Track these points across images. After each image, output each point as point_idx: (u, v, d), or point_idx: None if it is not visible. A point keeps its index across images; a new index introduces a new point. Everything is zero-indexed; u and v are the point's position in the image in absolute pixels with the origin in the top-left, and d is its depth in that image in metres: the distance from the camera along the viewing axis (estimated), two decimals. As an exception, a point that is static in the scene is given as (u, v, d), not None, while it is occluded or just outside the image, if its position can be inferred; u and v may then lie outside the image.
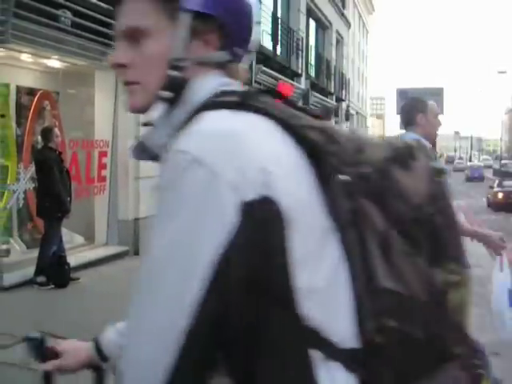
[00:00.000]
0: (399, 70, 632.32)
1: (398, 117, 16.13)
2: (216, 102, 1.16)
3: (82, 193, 10.84)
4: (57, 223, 8.67)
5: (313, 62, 26.51)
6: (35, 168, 8.84)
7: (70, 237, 10.39)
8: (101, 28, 9.98)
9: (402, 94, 11.77)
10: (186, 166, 1.04)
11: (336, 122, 30.62)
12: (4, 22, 8.06)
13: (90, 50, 10.21)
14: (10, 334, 6.38)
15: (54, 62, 10.48)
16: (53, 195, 8.42)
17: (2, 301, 7.79)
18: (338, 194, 1.13)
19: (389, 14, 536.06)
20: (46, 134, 8.70)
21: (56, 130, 8.84)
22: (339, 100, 30.62)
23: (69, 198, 8.76)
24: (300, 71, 22.72)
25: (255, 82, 16.93)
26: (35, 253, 8.87)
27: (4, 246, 8.88)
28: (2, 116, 8.68)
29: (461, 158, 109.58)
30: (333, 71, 29.20)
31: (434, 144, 4.87)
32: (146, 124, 1.28)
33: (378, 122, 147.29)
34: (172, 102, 1.21)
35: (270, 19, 19.64)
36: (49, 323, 6.77)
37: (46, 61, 10.38)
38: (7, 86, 9.48)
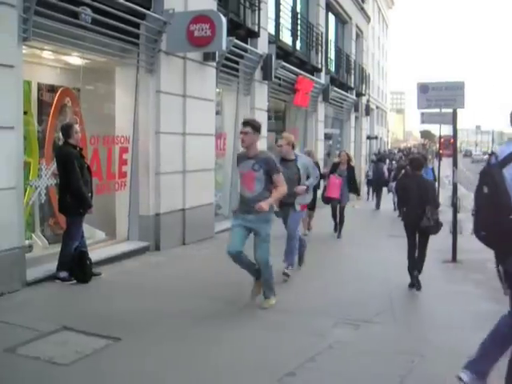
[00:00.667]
0: (419, 64, 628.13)
1: (419, 112, 15.71)
2: None
3: (103, 189, 10.90)
4: (79, 219, 8.72)
5: (332, 57, 26.38)
6: (56, 164, 8.89)
7: (91, 232, 10.46)
8: (121, 25, 10.04)
9: (423, 88, 11.64)
10: None
11: (356, 117, 30.48)
12: (26, 19, 8.13)
13: (111, 46, 10.29)
14: (33, 328, 6.45)
15: (75, 59, 10.55)
16: (74, 191, 8.49)
17: (25, 296, 7.88)
18: None
19: (408, 8, 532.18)
20: (66, 130, 8.74)
21: (76, 126, 8.87)
22: (359, 95, 30.46)
23: (90, 194, 8.81)
24: (320, 66, 22.65)
25: (275, 77, 16.92)
26: (57, 248, 8.94)
27: (27, 242, 8.95)
28: (24, 113, 8.73)
29: (485, 153, 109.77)
30: (353, 66, 29.06)
31: None
32: None
33: (399, 116, 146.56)
34: None
35: (289, 14, 19.60)
36: (71, 317, 6.86)
37: (66, 58, 10.45)
38: (29, 83, 9.53)
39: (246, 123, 7.68)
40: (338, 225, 14.29)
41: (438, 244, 10.75)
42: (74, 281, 8.62)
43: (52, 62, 10.43)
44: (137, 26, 10.68)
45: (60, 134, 9.15)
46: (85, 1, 9.21)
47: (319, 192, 14.82)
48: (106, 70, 11.34)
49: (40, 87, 10.05)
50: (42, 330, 6.40)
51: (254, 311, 7.49)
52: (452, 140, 14.09)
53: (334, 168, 14.50)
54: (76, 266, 8.64)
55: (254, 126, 7.58)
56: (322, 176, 14.56)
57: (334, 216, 14.65)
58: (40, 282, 8.50)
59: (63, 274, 8.62)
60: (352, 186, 14.55)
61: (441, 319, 7.51)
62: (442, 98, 11.91)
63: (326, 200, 14.40)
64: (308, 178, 9.63)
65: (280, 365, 5.63)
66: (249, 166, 7.52)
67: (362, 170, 28.38)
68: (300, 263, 10.12)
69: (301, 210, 9.70)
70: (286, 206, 9.29)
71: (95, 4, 9.36)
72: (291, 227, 9.57)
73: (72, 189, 8.49)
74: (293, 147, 9.62)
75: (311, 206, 14.11)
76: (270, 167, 7.53)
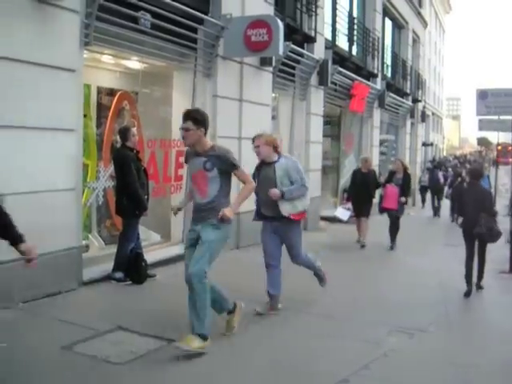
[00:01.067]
0: (476, 70, 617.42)
1: (475, 118, 15.30)
2: None
3: (159, 191, 11.02)
4: (135, 221, 8.84)
5: (389, 62, 26.16)
6: (114, 166, 9.03)
7: (147, 234, 10.58)
8: (179, 29, 10.14)
9: (482, 94, 11.47)
10: None
11: (412, 123, 30.14)
12: (87, 25, 8.29)
13: (169, 51, 10.40)
14: (89, 327, 6.56)
15: (134, 63, 10.70)
16: (131, 193, 8.60)
17: (81, 295, 8.03)
18: None
19: (466, 13, 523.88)
20: (124, 133, 8.87)
21: (133, 130, 9.00)
22: (415, 101, 30.10)
23: (146, 197, 8.91)
24: (376, 71, 22.48)
25: (331, 82, 16.86)
26: (113, 249, 9.08)
27: (83, 242, 9.10)
28: (84, 116, 8.90)
29: None
30: (409, 71, 28.76)
31: None
32: None
33: (454, 123, 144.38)
34: None
35: (345, 19, 19.52)
36: (126, 318, 6.95)
37: (125, 62, 10.61)
38: (88, 86, 9.72)
39: (186, 116, 6.13)
40: (393, 234, 13.77)
41: (494, 254, 10.57)
42: (129, 282, 8.73)
43: (111, 66, 10.61)
44: (194, 30, 10.78)
45: (117, 136, 9.29)
46: (144, 6, 9.34)
47: (375, 200, 14.45)
48: (163, 74, 11.47)
49: (99, 91, 10.24)
50: (98, 329, 6.50)
51: (307, 317, 7.47)
52: (511, 147, 13.83)
53: (390, 177, 14.07)
54: (131, 267, 8.76)
55: (195, 120, 6.06)
56: (379, 185, 14.10)
57: (391, 230, 13.73)
58: (96, 282, 8.64)
59: (119, 275, 8.75)
60: (405, 191, 13.85)
61: (496, 330, 7.38)
62: (501, 104, 11.71)
63: (383, 210, 13.88)
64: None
65: (334, 372, 5.60)
66: (199, 165, 6.15)
67: (417, 178, 28.02)
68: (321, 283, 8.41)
69: (296, 220, 7.65)
70: (271, 220, 7.68)
71: (154, 9, 9.48)
72: (295, 249, 7.84)
73: (128, 191, 8.61)
74: (275, 149, 7.67)
75: (366, 214, 13.80)
76: (225, 163, 6.12)
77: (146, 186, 9.04)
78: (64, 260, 7.93)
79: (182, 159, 11.30)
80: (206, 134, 6.20)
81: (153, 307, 7.58)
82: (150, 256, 9.52)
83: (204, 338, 5.91)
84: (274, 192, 7.37)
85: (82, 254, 8.61)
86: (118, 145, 9.32)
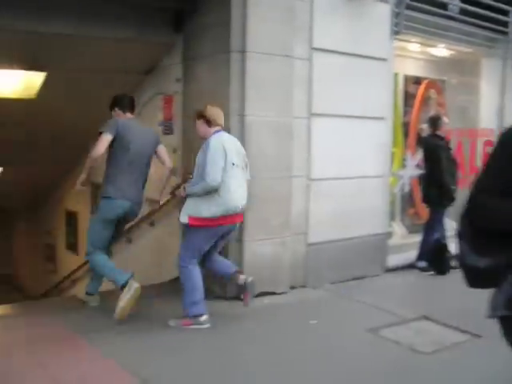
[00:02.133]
0: None
1: None
2: None
3: (465, 182, 10.76)
4: (441, 211, 8.73)
5: None
6: (423, 155, 8.95)
7: (451, 225, 10.41)
8: (489, 13, 9.76)
9: None
10: None
11: None
12: (397, 13, 8.38)
13: (478, 36, 10.05)
14: (392, 312, 6.62)
15: (440, 51, 10.52)
16: (439, 183, 8.51)
17: (384, 281, 8.22)
18: None
19: None
20: (435, 121, 8.77)
21: (444, 118, 8.88)
22: None
23: (454, 187, 8.74)
24: None
25: None
26: (415, 238, 9.09)
27: (387, 229, 9.21)
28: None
29: None
30: None
31: None
32: None
33: None
34: None
35: None
36: (429, 308, 6.90)
37: (431, 49, 10.48)
38: (396, 75, 9.81)
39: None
40: None
41: None
42: (433, 272, 8.66)
43: (416, 54, 10.56)
44: (506, 13, 10.26)
45: (425, 125, 9.26)
46: (454, -9, 9.18)
47: None
48: (471, 61, 11.10)
49: (406, 79, 10.28)
50: (402, 315, 6.54)
51: None
52: None
53: None
54: (435, 257, 8.67)
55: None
56: None
57: None
58: (399, 270, 8.70)
59: (422, 264, 8.73)
60: None
61: None
62: None
63: None
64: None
65: None
66: None
67: None
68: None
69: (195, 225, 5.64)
70: None
71: (463, -6, 9.27)
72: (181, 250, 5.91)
73: (438, 181, 8.53)
74: (208, 122, 5.70)
75: None
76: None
77: (455, 176, 8.87)
78: (371, 245, 8.15)
79: (489, 149, 10.95)
80: (122, 111, 6.31)
81: (456, 300, 7.37)
82: (454, 247, 9.35)
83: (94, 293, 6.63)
84: (179, 191, 5.90)
85: (387, 241, 8.73)
86: (424, 133, 9.28)
